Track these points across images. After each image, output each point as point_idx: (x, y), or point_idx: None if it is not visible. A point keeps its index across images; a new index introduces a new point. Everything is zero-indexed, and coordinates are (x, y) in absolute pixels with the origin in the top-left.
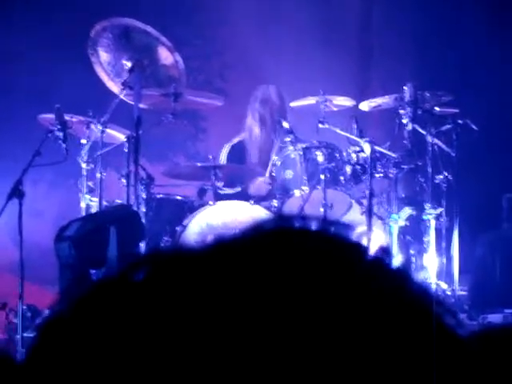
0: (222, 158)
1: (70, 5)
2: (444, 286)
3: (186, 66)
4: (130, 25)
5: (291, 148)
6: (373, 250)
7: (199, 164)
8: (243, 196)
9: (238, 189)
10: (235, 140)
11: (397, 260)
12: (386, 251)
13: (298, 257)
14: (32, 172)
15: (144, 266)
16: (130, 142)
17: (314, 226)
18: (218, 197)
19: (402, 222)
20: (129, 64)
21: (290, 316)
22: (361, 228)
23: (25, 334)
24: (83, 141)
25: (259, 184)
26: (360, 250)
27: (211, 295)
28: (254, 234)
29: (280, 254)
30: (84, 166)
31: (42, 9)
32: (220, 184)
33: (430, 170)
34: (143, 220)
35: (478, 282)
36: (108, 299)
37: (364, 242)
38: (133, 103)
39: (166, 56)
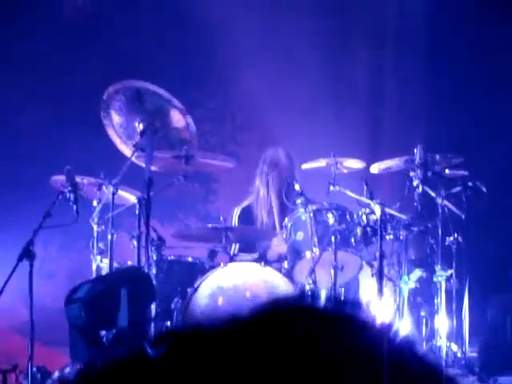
0: (234, 221)
1: (83, 67)
2: (455, 347)
3: (198, 129)
4: (143, 87)
5: (302, 210)
6: (380, 319)
7: (210, 225)
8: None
9: (255, 255)
10: (245, 203)
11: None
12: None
13: (315, 345)
14: (43, 233)
15: (162, 344)
16: (142, 203)
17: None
18: (232, 259)
19: (412, 284)
20: (141, 126)
21: None
22: (369, 297)
23: None
24: (94, 202)
25: (274, 246)
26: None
27: (226, 375)
28: (271, 314)
29: (296, 339)
30: (95, 227)
31: (55, 71)
32: (234, 248)
33: (440, 231)
34: (154, 282)
35: (489, 344)
36: (128, 379)
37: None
38: (144, 165)
39: (177, 119)
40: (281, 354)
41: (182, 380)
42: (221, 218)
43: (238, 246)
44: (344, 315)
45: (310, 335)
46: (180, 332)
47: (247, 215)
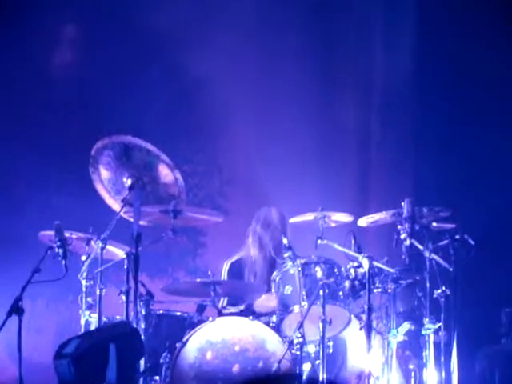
0: (224, 275)
1: (72, 122)
2: None
3: (186, 183)
4: (131, 142)
5: (290, 264)
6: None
7: (198, 280)
8: (246, 312)
9: (242, 307)
10: (235, 257)
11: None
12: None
13: None
14: (31, 288)
15: None
16: (130, 258)
17: None
18: (220, 312)
19: (400, 337)
20: (129, 182)
21: None
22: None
23: None
24: (83, 257)
25: (263, 301)
26: None
27: None
28: None
29: None
30: (84, 282)
31: (44, 126)
32: (222, 301)
33: (428, 284)
34: (142, 336)
35: None
36: None
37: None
38: (132, 220)
39: (166, 173)
40: None
41: None
42: (209, 272)
43: (226, 299)
44: None
45: None
46: None
47: (237, 269)
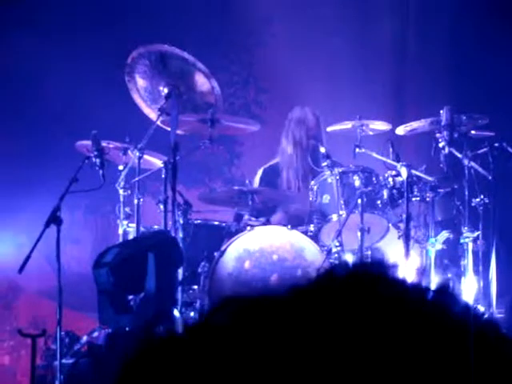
0: (256, 182)
1: (108, 32)
2: (482, 309)
3: (222, 91)
4: (167, 51)
5: (328, 173)
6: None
7: (236, 188)
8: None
9: (262, 219)
10: (269, 164)
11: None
12: (423, 273)
13: (370, 305)
14: (69, 198)
15: (226, 312)
16: (168, 167)
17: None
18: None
19: (439, 246)
20: (165, 90)
21: (364, 363)
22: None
23: (63, 361)
24: (120, 167)
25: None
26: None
27: (291, 341)
28: (328, 281)
29: (352, 303)
30: (121, 192)
31: (81, 36)
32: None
33: (466, 193)
34: (181, 246)
35: None
36: (198, 341)
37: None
38: (169, 129)
39: (202, 82)
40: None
41: (247, 349)
42: (246, 181)
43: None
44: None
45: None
46: (241, 300)
47: (271, 176)
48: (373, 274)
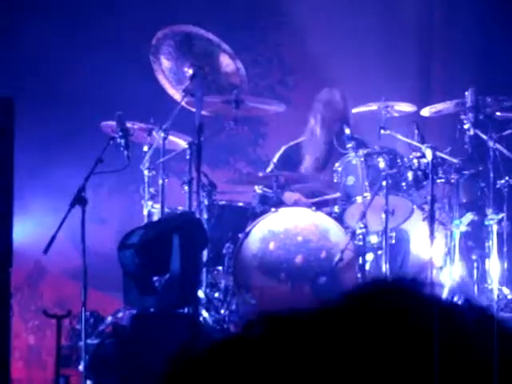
0: (276, 158)
1: (133, 13)
2: (506, 291)
3: (247, 72)
4: (192, 32)
5: (353, 154)
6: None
7: (260, 174)
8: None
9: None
10: (293, 142)
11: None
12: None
13: (399, 325)
14: (94, 179)
15: (260, 326)
16: (192, 148)
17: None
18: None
19: (463, 228)
20: (190, 71)
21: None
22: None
23: (88, 341)
24: (145, 148)
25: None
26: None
27: (315, 356)
28: (360, 301)
29: (380, 324)
30: (146, 172)
31: (105, 17)
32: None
33: (491, 174)
34: (205, 227)
35: None
36: (232, 353)
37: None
38: (194, 110)
39: (227, 63)
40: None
41: (283, 361)
42: (271, 165)
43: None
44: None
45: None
46: (276, 315)
47: (293, 154)
48: (405, 293)
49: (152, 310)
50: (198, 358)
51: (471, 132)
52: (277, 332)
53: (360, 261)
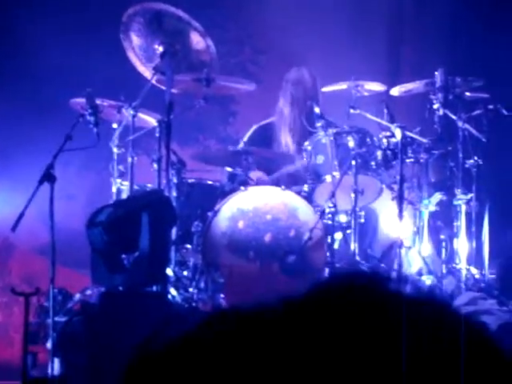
0: (246, 137)
1: None
2: (474, 270)
3: (217, 51)
4: (162, 9)
5: (322, 133)
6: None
7: (230, 148)
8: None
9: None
10: (263, 122)
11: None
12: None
13: (360, 319)
14: (63, 156)
15: (221, 324)
16: (162, 126)
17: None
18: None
19: (432, 207)
20: (160, 49)
21: None
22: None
23: (56, 318)
24: (114, 125)
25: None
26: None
27: (280, 356)
28: (320, 293)
29: (343, 316)
30: (115, 150)
31: None
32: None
33: (460, 155)
34: (174, 205)
35: (509, 266)
36: (190, 353)
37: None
38: (164, 88)
39: (197, 41)
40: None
41: (244, 360)
42: (241, 142)
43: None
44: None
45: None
46: (239, 312)
47: (263, 135)
48: (365, 287)
49: (120, 288)
50: (157, 356)
51: (440, 112)
52: (240, 331)
53: (329, 240)
